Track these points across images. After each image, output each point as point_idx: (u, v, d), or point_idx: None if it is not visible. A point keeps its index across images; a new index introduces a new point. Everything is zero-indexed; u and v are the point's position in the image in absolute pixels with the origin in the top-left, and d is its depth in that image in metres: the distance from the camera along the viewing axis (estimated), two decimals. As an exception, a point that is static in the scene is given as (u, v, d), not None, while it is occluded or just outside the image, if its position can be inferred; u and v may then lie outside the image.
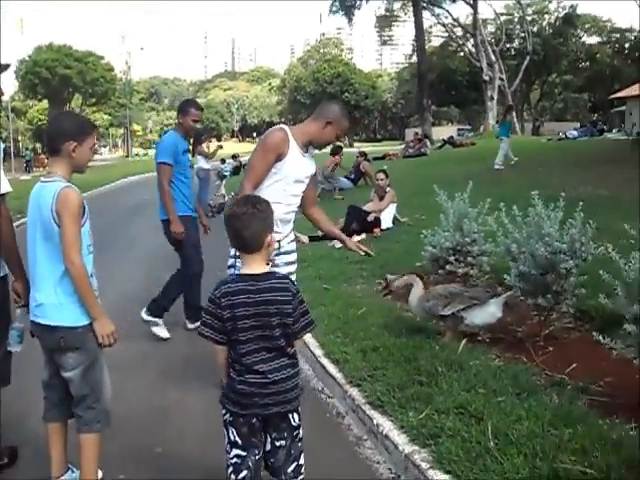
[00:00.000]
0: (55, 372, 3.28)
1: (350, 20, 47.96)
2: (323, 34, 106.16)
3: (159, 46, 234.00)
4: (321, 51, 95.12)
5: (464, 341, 4.64)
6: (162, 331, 5.98)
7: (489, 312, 4.74)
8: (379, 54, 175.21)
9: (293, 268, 4.54)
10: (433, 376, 4.13)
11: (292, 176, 4.18)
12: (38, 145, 76.32)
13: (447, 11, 47.97)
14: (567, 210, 4.61)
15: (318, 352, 5.11)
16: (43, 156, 63.34)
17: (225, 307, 2.71)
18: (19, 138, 73.81)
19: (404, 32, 56.42)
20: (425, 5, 45.11)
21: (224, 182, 24.23)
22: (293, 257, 4.53)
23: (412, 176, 18.20)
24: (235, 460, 2.80)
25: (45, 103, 63.91)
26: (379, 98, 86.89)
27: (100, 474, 3.41)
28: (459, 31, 51.00)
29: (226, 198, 18.03)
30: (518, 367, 4.29)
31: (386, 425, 3.73)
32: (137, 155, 73.62)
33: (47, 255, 3.14)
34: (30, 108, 72.37)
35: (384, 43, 71.62)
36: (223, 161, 28.81)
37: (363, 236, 9.95)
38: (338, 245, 9.45)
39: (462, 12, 54.23)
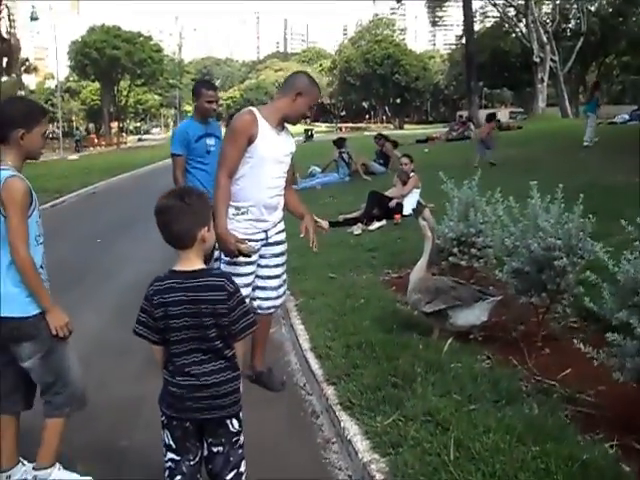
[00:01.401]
0: (6, 363, 3.15)
1: (399, 1, 47.09)
2: (376, 14, 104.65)
3: (213, 27, 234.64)
4: (373, 32, 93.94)
5: (450, 341, 4.36)
6: None
7: (474, 314, 4.45)
8: (432, 35, 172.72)
9: (282, 260, 4.37)
10: (410, 378, 3.87)
11: (269, 157, 3.98)
12: (91, 125, 77.85)
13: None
14: (589, 201, 4.23)
15: (305, 345, 4.91)
16: (93, 136, 64.62)
17: (157, 305, 2.55)
18: (73, 118, 75.31)
19: (456, 12, 54.96)
20: (476, -15, 44.06)
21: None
22: (282, 248, 4.34)
23: (447, 159, 17.73)
24: (170, 464, 2.67)
25: (98, 84, 64.84)
26: (431, 80, 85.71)
27: (58, 467, 3.30)
28: (512, 11, 49.60)
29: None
30: (505, 370, 4.01)
31: (352, 429, 3.51)
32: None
33: None
34: (84, 88, 73.59)
35: (434, 24, 70.03)
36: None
37: (383, 222, 9.69)
38: (357, 232, 9.24)
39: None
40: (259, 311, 4.36)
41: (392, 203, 9.91)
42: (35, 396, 3.29)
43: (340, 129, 77.43)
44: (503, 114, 54.35)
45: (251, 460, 2.78)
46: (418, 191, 10.14)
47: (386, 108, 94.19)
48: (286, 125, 4.19)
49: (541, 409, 3.44)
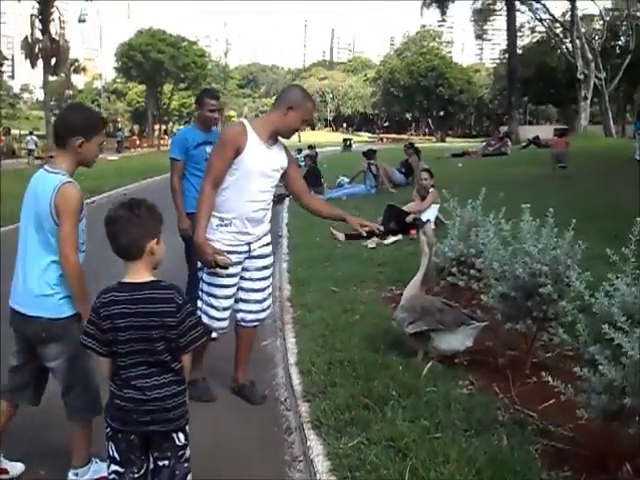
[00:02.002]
0: (28, 361, 3.24)
1: (444, 13, 46.92)
2: (423, 26, 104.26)
3: (261, 33, 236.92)
4: (419, 44, 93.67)
5: (429, 364, 4.26)
6: None
7: (457, 339, 4.35)
8: (479, 49, 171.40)
9: (266, 273, 4.30)
10: (382, 400, 3.80)
11: (255, 170, 3.94)
12: (136, 127, 79.03)
13: (543, 5, 46.05)
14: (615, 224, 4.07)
15: (292, 360, 4.85)
16: (136, 137, 65.55)
17: (104, 317, 2.54)
18: (118, 119, 76.50)
19: (502, 26, 54.45)
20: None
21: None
22: (266, 262, 4.28)
23: (479, 175, 17.51)
24: (113, 476, 2.65)
25: (143, 86, 65.81)
26: (475, 94, 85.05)
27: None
28: (559, 27, 48.94)
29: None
30: (485, 398, 3.89)
31: (316, 449, 3.45)
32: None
33: (36, 245, 3.12)
34: (130, 90, 74.77)
35: (479, 37, 69.51)
36: (300, 151, 28.84)
37: (399, 237, 9.57)
38: (371, 245, 9.15)
39: (565, 6, 51.85)
40: (242, 323, 4.34)
41: (409, 218, 9.78)
42: (43, 395, 3.37)
43: (382, 140, 77.16)
44: (547, 131, 53.61)
45: (215, 472, 2.74)
46: (437, 206, 10.01)
47: (429, 120, 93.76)
48: (280, 139, 4.15)
49: (511, 441, 3.33)
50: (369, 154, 16.42)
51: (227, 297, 4.14)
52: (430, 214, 9.97)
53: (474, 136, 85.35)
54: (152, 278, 2.61)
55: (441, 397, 3.82)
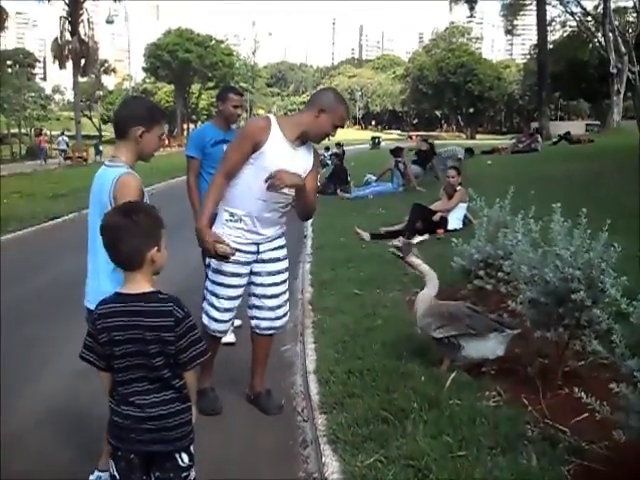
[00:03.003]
0: None
1: (472, 8, 46.33)
2: (452, 22, 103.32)
3: (289, 32, 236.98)
4: (447, 40, 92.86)
5: (453, 375, 4.01)
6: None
7: (487, 347, 4.10)
8: (509, 44, 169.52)
9: (279, 278, 4.06)
10: (402, 414, 3.57)
11: (273, 169, 3.64)
12: (166, 126, 79.55)
13: (576, -1, 45.22)
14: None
15: (310, 367, 4.65)
16: (164, 137, 65.90)
17: (101, 330, 2.37)
18: (147, 119, 76.96)
19: (532, 21, 53.52)
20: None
21: (323, 170, 24.05)
22: (278, 266, 4.04)
23: (509, 173, 17.13)
24: None
25: (172, 86, 66.18)
26: (505, 90, 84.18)
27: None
28: (591, 21, 48.03)
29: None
30: (512, 411, 3.64)
31: (332, 466, 3.24)
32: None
33: None
34: (159, 90, 75.28)
35: (509, 32, 68.47)
36: (327, 149, 28.64)
37: (426, 236, 9.26)
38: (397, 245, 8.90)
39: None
40: (257, 331, 4.15)
41: (436, 217, 9.54)
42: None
43: (411, 137, 76.65)
44: (578, 126, 52.74)
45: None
46: (465, 205, 9.73)
47: (458, 117, 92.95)
48: (309, 143, 3.90)
49: (541, 461, 3.09)
50: (396, 152, 16.18)
51: (230, 298, 3.93)
52: (458, 213, 9.72)
53: (504, 133, 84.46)
54: (151, 289, 2.42)
55: (465, 410, 3.59)
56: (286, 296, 4.15)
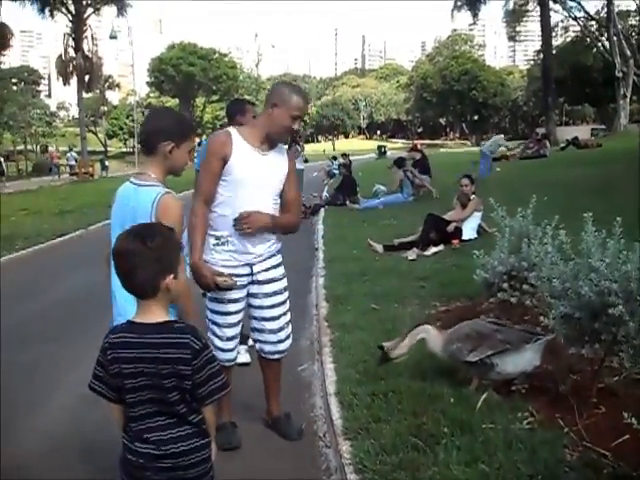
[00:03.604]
0: None
1: (475, 16, 46.24)
2: (454, 30, 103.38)
3: (291, 44, 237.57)
4: (450, 48, 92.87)
5: (484, 396, 3.81)
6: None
7: (525, 359, 3.89)
8: (512, 51, 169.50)
9: (278, 299, 3.80)
10: (433, 439, 3.38)
11: (247, 180, 3.50)
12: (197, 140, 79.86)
13: (579, 3, 45.07)
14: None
15: (331, 389, 4.45)
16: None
17: (111, 361, 2.19)
18: (152, 133, 77.11)
19: (536, 27, 53.40)
20: (555, -1, 42.74)
21: (331, 181, 23.90)
22: (275, 287, 3.79)
23: (520, 179, 16.94)
24: None
25: (177, 100, 66.29)
26: (509, 96, 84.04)
27: None
28: (594, 25, 47.89)
29: (323, 199, 17.60)
30: (548, 434, 3.44)
31: (360, 500, 3.04)
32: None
33: None
34: (163, 104, 75.39)
35: (512, 39, 68.45)
36: (335, 158, 28.52)
37: (441, 247, 9.12)
38: (412, 257, 8.73)
39: (599, 4, 50.69)
40: (262, 355, 3.93)
41: (450, 227, 9.34)
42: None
43: (415, 146, 76.67)
44: (584, 131, 52.53)
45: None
46: (479, 214, 9.54)
47: (463, 125, 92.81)
48: (281, 145, 3.73)
49: (584, 489, 2.89)
50: (400, 162, 16.00)
51: (231, 325, 3.72)
52: (472, 222, 9.53)
53: (509, 139, 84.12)
54: (166, 318, 2.23)
55: (500, 434, 3.38)
56: (287, 318, 3.91)
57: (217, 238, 3.58)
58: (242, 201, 3.51)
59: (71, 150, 43.25)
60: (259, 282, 3.72)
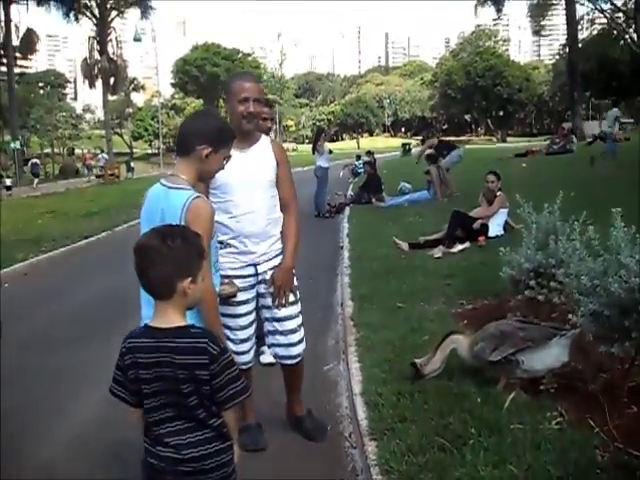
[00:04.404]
0: None
1: (499, 11, 45.85)
2: (478, 25, 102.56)
3: (315, 42, 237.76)
4: (474, 43, 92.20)
5: (512, 395, 3.75)
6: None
7: (552, 355, 3.82)
8: (537, 45, 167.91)
9: (289, 299, 3.70)
10: (460, 440, 3.33)
11: (233, 180, 3.42)
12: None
13: (605, -5, 44.36)
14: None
15: (356, 389, 4.41)
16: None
17: (129, 366, 2.19)
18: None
19: (561, 21, 52.83)
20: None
21: (356, 180, 23.82)
22: None
23: (547, 175, 16.74)
24: None
25: (201, 100, 66.69)
26: (534, 91, 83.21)
27: None
28: (621, 17, 47.14)
29: (347, 197, 17.54)
30: (578, 434, 3.37)
31: (386, 501, 3.01)
32: (288, 150, 75.27)
33: None
34: (188, 105, 75.92)
35: (536, 33, 67.66)
36: (358, 157, 28.43)
37: (467, 244, 9.03)
38: (437, 255, 8.66)
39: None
40: (278, 360, 3.87)
41: (476, 224, 9.24)
42: None
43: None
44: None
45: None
46: (506, 211, 9.43)
47: (488, 121, 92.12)
48: (264, 138, 3.66)
49: (616, 492, 2.82)
50: (434, 158, 15.73)
51: (243, 328, 3.65)
52: (498, 219, 9.43)
53: (535, 135, 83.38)
54: (183, 323, 2.21)
55: (528, 435, 3.33)
56: (299, 320, 3.77)
57: (220, 242, 3.46)
58: (233, 203, 3.45)
59: (102, 152, 43.94)
60: (265, 281, 3.65)
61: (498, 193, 9.48)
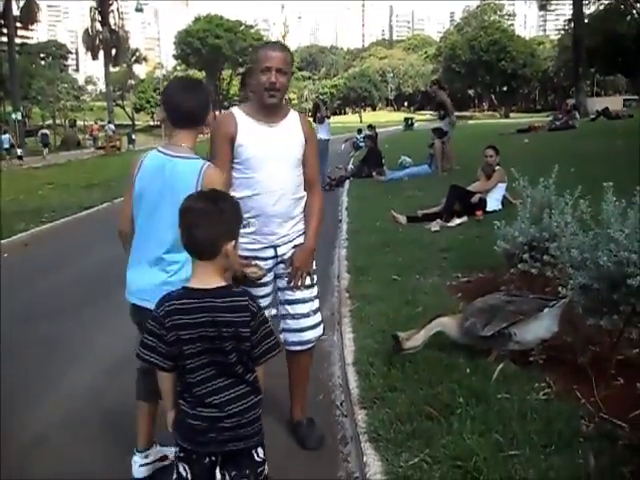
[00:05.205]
0: None
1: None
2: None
3: (318, 15, 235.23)
4: (479, 18, 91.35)
5: (500, 366, 3.80)
6: None
7: (543, 326, 3.88)
8: (542, 20, 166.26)
9: (306, 281, 3.53)
10: (447, 409, 3.38)
11: (260, 155, 3.26)
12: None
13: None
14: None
15: (349, 359, 4.47)
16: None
17: (170, 329, 2.23)
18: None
19: (567, -5, 52.27)
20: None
21: (357, 153, 23.78)
22: None
23: (547, 151, 16.68)
24: None
25: (203, 73, 66.27)
26: (539, 67, 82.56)
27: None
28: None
29: (348, 170, 17.53)
30: (564, 405, 3.42)
31: (373, 466, 3.07)
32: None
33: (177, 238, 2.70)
34: (190, 77, 75.44)
35: (542, 7, 66.83)
36: (360, 131, 28.34)
37: (465, 219, 9.06)
38: (435, 228, 8.69)
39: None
40: (286, 347, 3.54)
41: (474, 198, 9.25)
42: None
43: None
44: (616, 102, 51.55)
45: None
46: (504, 185, 9.43)
47: (492, 96, 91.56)
48: (293, 112, 3.49)
49: (599, 461, 2.87)
50: (441, 132, 15.59)
51: (263, 308, 3.61)
52: (497, 194, 9.44)
53: (538, 110, 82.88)
54: (223, 283, 2.28)
55: (515, 404, 3.38)
56: (315, 305, 3.57)
57: None
58: (257, 179, 3.30)
59: (110, 123, 43.91)
60: (285, 262, 3.49)
61: (496, 168, 9.48)
